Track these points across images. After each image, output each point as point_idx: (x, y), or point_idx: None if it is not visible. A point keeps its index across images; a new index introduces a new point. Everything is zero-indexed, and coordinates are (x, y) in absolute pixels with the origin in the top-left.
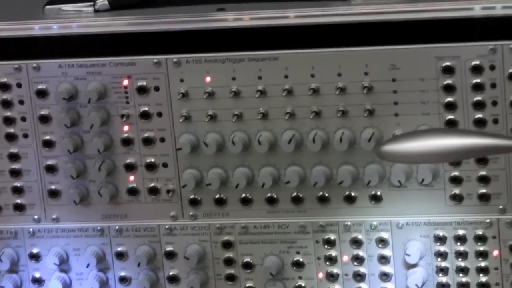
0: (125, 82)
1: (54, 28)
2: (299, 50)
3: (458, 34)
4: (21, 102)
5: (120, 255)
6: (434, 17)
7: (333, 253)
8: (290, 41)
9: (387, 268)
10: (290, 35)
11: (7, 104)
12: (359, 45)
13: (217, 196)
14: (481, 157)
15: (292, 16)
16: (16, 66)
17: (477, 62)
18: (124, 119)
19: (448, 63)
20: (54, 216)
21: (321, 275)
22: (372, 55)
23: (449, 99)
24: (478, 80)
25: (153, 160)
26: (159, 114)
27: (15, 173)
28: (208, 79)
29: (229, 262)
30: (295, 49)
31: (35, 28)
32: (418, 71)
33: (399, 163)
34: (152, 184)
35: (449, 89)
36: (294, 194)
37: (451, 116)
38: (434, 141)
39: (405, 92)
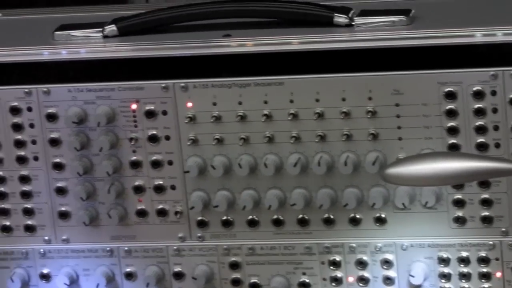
0: (134, 106)
1: (63, 53)
2: (304, 76)
3: (460, 60)
4: (31, 126)
5: (129, 276)
6: (436, 44)
7: (338, 274)
8: (295, 67)
9: None
10: (295, 61)
11: (18, 127)
12: (362, 71)
13: (224, 218)
14: (483, 180)
15: (296, 42)
16: (26, 90)
17: (479, 88)
18: (132, 142)
19: (450, 89)
20: (64, 237)
21: None
22: (375, 80)
23: (452, 123)
24: (480, 105)
25: (161, 182)
26: (167, 138)
27: (26, 195)
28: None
29: (236, 282)
30: (300, 74)
31: (45, 54)
32: (421, 96)
33: (402, 185)
34: (161, 206)
35: (451, 114)
36: (300, 216)
37: (453, 140)
38: (437, 165)
39: (408, 117)
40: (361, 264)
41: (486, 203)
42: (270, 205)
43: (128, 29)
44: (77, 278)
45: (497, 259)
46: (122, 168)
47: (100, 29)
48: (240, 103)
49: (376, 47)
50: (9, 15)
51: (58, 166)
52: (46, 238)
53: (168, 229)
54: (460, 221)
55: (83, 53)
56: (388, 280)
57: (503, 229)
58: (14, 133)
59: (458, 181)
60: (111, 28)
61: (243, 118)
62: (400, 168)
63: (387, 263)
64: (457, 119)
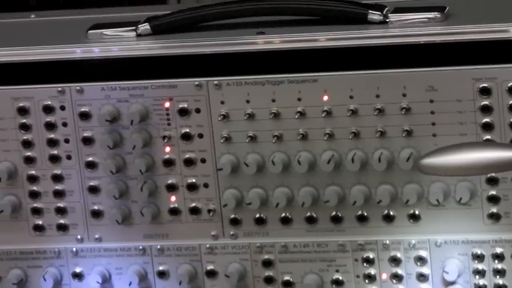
0: (167, 104)
1: (96, 51)
2: (337, 72)
3: (495, 56)
4: (64, 125)
5: (162, 274)
6: (471, 39)
7: (372, 271)
8: (329, 64)
9: (425, 286)
10: (329, 58)
11: (51, 126)
12: (397, 67)
13: (257, 215)
14: None
15: (330, 39)
16: (60, 89)
17: None
18: (165, 141)
19: (485, 84)
20: (96, 236)
21: None
22: (409, 77)
23: (486, 119)
24: None
25: (194, 180)
26: (200, 136)
27: (59, 194)
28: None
29: (269, 280)
30: (334, 71)
31: (78, 52)
32: (455, 93)
33: (437, 175)
34: (193, 204)
35: (486, 110)
36: (333, 213)
37: (488, 136)
38: (473, 154)
39: (443, 113)
40: (395, 261)
41: None
42: (303, 203)
43: (162, 28)
44: (110, 277)
45: None
46: (155, 166)
47: (133, 28)
48: (273, 100)
49: (410, 43)
50: (43, 17)
51: (91, 165)
52: (79, 237)
53: (201, 227)
54: (494, 217)
55: (116, 51)
56: (422, 276)
57: None
58: (47, 132)
59: (493, 170)
60: (144, 27)
61: (276, 115)
62: (436, 158)
63: (421, 259)
64: (492, 115)
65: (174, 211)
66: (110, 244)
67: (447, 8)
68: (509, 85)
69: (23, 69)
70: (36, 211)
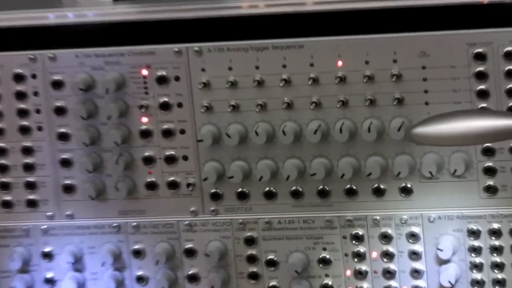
0: (144, 72)
1: (70, 16)
2: (325, 38)
3: (490, 20)
4: (35, 94)
5: (138, 253)
6: (466, 2)
7: (361, 249)
8: (316, 28)
9: (418, 265)
10: (316, 22)
11: (21, 95)
12: (387, 32)
13: (240, 189)
14: None
15: (316, 3)
16: (31, 56)
17: (509, 49)
18: (143, 110)
19: (480, 50)
20: (68, 213)
21: (349, 272)
22: (401, 41)
23: (481, 86)
24: (511, 67)
25: (173, 152)
26: (180, 105)
27: (28, 168)
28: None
29: (252, 259)
30: (320, 36)
31: (51, 17)
32: (449, 58)
33: (430, 145)
34: (172, 178)
35: (481, 76)
36: (320, 187)
37: (483, 104)
38: (468, 123)
39: (436, 80)
40: (386, 238)
41: None
42: (288, 176)
43: None
44: (82, 256)
45: None
46: (131, 137)
47: None
48: (257, 67)
49: (402, 6)
50: None
51: (63, 137)
52: (49, 213)
53: (180, 202)
54: (491, 190)
55: (91, 16)
56: (414, 254)
57: None
58: (17, 101)
59: (488, 140)
60: None
61: (260, 83)
62: (428, 126)
63: (413, 236)
64: (487, 82)
65: (151, 186)
66: (82, 221)
67: None
68: (506, 50)
69: None
70: (4, 186)
